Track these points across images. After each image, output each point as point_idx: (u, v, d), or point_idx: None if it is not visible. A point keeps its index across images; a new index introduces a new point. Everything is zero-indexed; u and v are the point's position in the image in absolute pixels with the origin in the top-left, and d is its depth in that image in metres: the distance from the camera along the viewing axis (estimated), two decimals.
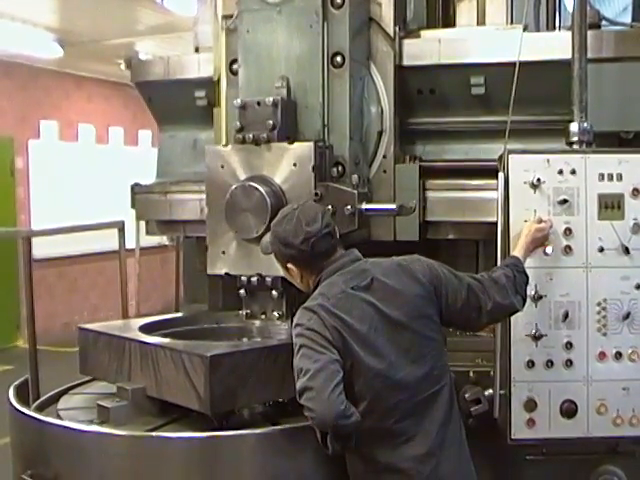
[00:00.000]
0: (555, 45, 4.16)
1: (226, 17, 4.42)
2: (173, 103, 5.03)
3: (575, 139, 3.96)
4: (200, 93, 4.87)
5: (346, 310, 3.22)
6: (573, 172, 3.79)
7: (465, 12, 4.93)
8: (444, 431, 3.28)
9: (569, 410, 3.73)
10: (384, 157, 4.32)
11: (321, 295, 3.29)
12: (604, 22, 4.31)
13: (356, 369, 3.18)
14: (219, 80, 4.51)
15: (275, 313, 4.05)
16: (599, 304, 3.77)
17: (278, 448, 3.45)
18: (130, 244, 7.80)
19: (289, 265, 3.44)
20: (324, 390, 3.02)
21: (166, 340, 3.92)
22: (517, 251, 3.68)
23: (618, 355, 3.76)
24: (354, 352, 3.18)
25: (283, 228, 3.39)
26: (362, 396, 3.19)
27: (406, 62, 4.34)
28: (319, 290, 3.33)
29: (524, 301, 3.58)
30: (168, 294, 11.13)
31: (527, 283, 3.60)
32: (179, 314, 4.99)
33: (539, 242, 3.74)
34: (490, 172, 3.94)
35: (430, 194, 4.31)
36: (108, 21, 10.32)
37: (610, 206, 3.78)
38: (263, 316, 4.10)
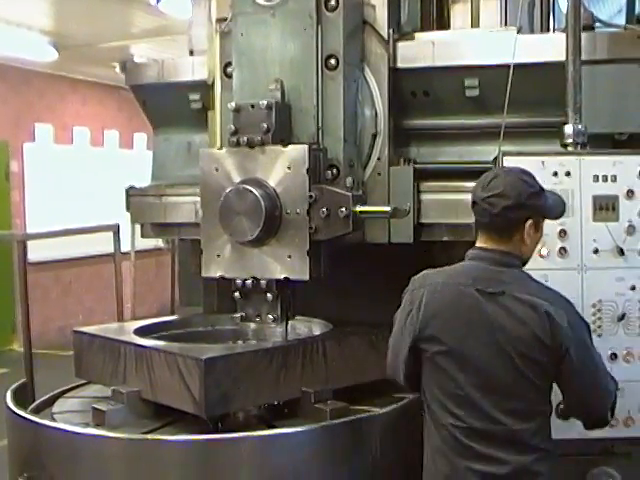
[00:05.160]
0: (549, 47, 4.16)
1: (220, 20, 4.42)
2: (168, 106, 5.02)
3: (569, 141, 3.96)
4: (195, 96, 4.86)
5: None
6: (568, 174, 3.80)
7: (459, 14, 4.94)
8: None
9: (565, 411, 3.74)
10: (378, 159, 4.31)
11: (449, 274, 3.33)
12: (598, 24, 4.31)
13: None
14: (213, 83, 4.51)
15: (270, 316, 4.03)
16: (594, 305, 3.77)
17: (273, 451, 3.46)
18: (125, 247, 7.79)
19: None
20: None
21: (161, 343, 3.92)
22: None
23: (613, 356, 3.76)
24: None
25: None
26: None
27: (400, 64, 4.34)
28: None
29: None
30: (163, 297, 11.17)
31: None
32: (174, 317, 4.99)
33: None
34: None
35: (424, 196, 4.31)
36: (103, 24, 10.31)
37: (605, 207, 3.79)
38: (258, 319, 4.09)
